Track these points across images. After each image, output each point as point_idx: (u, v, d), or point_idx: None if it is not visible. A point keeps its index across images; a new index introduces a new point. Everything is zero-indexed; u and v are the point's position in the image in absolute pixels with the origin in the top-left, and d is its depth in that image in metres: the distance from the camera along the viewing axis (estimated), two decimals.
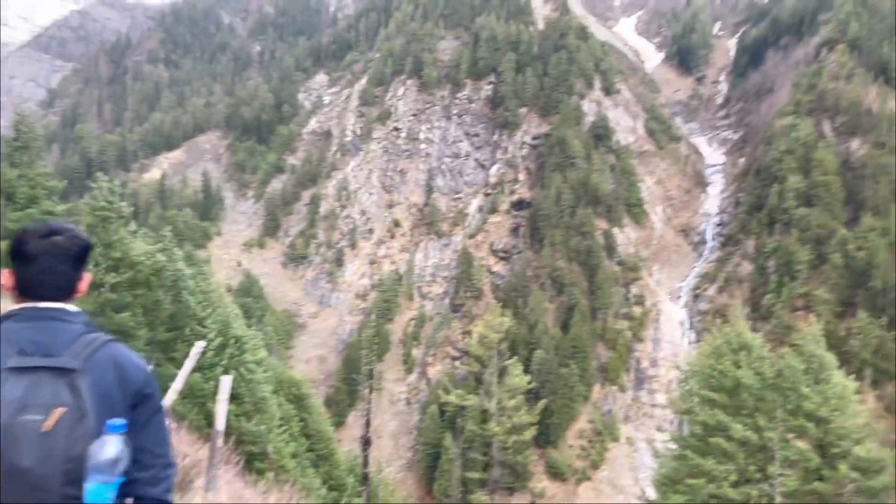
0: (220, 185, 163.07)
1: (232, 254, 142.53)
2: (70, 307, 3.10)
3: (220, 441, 10.08)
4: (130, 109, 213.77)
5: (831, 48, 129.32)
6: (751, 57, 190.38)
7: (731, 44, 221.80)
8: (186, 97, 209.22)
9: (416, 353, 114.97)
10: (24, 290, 3.04)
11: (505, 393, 39.60)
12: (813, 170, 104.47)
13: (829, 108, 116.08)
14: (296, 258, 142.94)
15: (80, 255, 3.17)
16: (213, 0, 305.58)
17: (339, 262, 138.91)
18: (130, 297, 26.32)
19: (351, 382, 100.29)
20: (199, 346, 11.91)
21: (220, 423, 10.10)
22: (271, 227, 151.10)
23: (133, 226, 28.92)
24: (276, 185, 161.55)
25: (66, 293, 3.11)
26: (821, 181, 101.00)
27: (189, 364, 11.38)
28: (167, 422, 3.35)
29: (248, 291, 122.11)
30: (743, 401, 21.14)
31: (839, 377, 20.25)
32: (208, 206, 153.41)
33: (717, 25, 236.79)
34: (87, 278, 3.23)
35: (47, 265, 3.03)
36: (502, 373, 40.39)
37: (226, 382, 10.43)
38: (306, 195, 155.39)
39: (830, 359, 20.18)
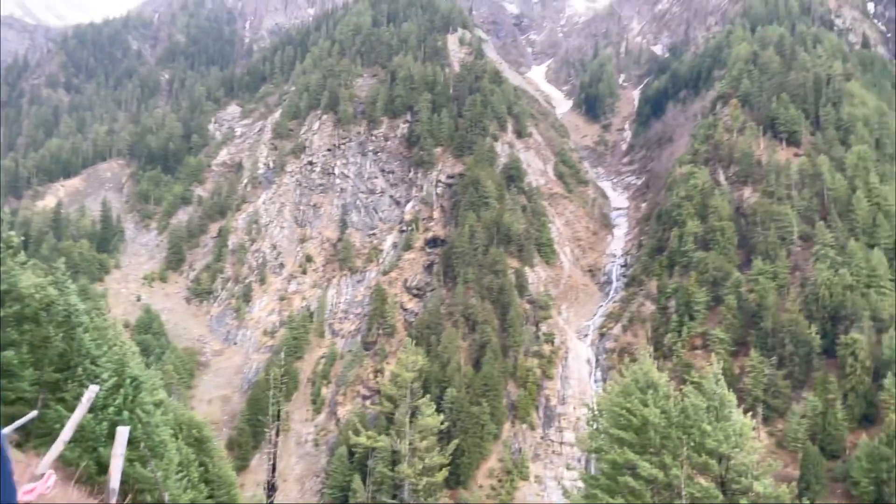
0: (121, 216, 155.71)
1: (131, 288, 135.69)
2: None
3: (113, 501, 9.19)
4: (25, 134, 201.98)
5: (725, 102, 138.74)
6: (652, 107, 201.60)
7: (635, 94, 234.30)
8: (88, 123, 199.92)
9: (326, 392, 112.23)
10: None
11: (417, 433, 39.00)
12: (709, 215, 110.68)
13: (723, 158, 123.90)
14: (200, 293, 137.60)
15: None
16: (120, 25, 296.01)
17: (246, 297, 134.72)
18: (16, 334, 24.32)
19: (256, 423, 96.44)
20: (93, 390, 10.95)
21: (115, 481, 9.16)
22: (175, 261, 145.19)
23: (22, 256, 26.89)
24: (182, 216, 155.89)
25: None
26: (716, 226, 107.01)
27: (80, 411, 10.42)
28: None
29: (148, 328, 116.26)
30: (650, 439, 21.62)
31: (738, 415, 21.10)
32: (107, 238, 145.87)
33: (622, 77, 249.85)
34: None
35: None
36: (415, 412, 39.82)
37: (122, 434, 9.52)
38: (214, 228, 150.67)
39: (730, 397, 21.04)
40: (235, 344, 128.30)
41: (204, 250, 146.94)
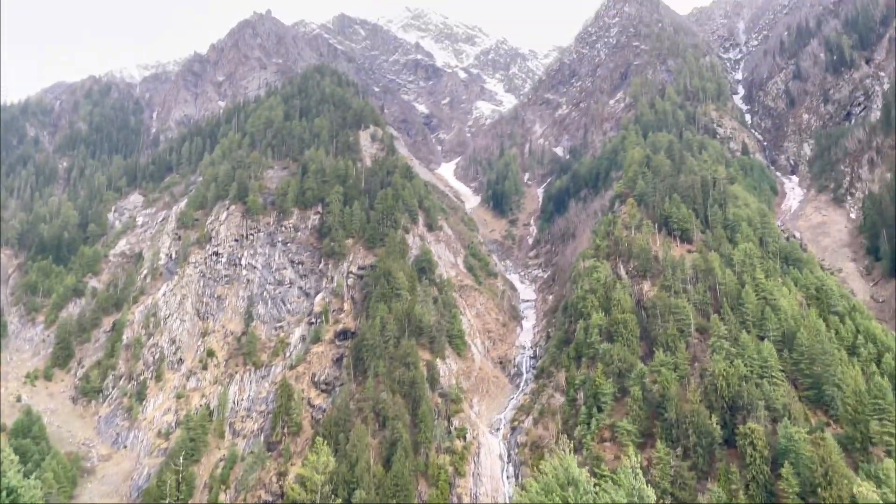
0: (5, 309, 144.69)
1: (10, 388, 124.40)
2: None
3: None
4: None
5: (622, 201, 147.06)
6: (555, 204, 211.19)
7: (539, 192, 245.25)
8: None
9: (224, 498, 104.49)
10: None
11: None
12: (612, 308, 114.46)
13: (623, 253, 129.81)
14: (89, 392, 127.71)
15: None
16: (18, 111, 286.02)
17: (140, 396, 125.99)
18: None
19: None
20: None
21: None
22: (62, 357, 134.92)
23: None
24: (73, 309, 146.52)
25: None
26: (620, 318, 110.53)
27: None
28: None
29: (27, 431, 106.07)
30: None
31: None
32: None
33: (527, 175, 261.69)
34: None
35: None
36: None
37: None
38: (108, 321, 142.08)
39: (649, 491, 20.97)
40: (125, 447, 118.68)
41: (95, 345, 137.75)
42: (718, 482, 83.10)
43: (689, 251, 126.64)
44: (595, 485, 22.07)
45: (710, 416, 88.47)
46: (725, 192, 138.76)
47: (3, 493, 22.81)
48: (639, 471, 21.14)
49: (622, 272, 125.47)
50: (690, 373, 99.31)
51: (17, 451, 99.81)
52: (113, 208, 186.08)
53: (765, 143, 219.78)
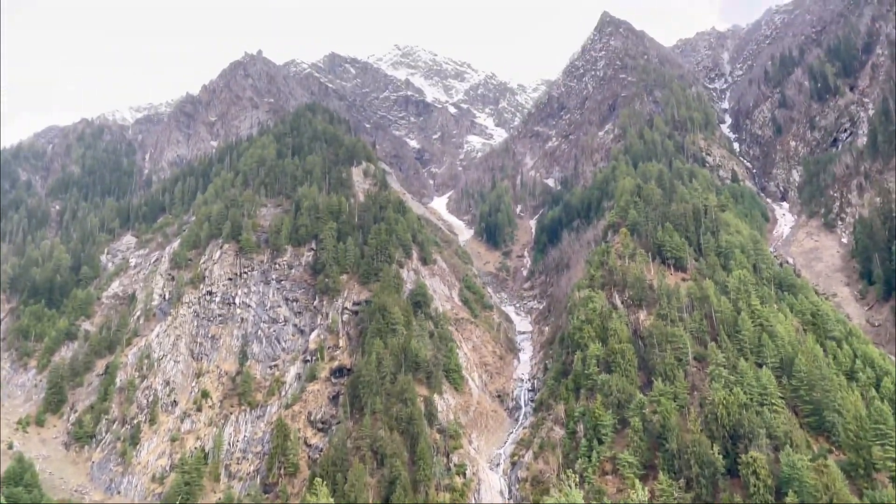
0: None
1: (3, 434, 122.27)
2: None
3: None
4: None
5: (615, 231, 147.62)
6: (549, 236, 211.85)
7: (532, 224, 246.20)
8: None
9: None
10: None
11: None
12: (609, 338, 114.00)
13: (617, 283, 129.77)
14: (82, 437, 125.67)
15: None
16: (10, 155, 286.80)
17: (134, 440, 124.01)
18: None
19: None
20: None
21: None
22: (55, 402, 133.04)
23: None
24: (66, 353, 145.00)
25: None
26: (617, 349, 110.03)
27: None
28: None
29: (19, 479, 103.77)
30: None
31: None
32: None
33: (519, 207, 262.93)
34: None
35: None
36: None
37: None
38: (101, 364, 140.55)
39: None
40: (119, 493, 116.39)
41: (88, 389, 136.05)
42: None
43: (684, 279, 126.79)
44: None
45: (712, 446, 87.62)
46: (717, 220, 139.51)
47: None
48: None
49: (618, 302, 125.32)
50: (690, 402, 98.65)
51: (9, 499, 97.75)
52: (106, 250, 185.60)
53: (754, 171, 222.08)
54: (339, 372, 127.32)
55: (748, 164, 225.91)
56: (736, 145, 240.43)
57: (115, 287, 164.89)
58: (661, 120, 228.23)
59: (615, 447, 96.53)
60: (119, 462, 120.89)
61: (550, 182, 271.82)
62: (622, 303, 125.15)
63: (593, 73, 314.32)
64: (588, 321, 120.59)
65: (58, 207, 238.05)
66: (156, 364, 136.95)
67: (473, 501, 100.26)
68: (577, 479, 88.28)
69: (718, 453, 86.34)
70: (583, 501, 18.64)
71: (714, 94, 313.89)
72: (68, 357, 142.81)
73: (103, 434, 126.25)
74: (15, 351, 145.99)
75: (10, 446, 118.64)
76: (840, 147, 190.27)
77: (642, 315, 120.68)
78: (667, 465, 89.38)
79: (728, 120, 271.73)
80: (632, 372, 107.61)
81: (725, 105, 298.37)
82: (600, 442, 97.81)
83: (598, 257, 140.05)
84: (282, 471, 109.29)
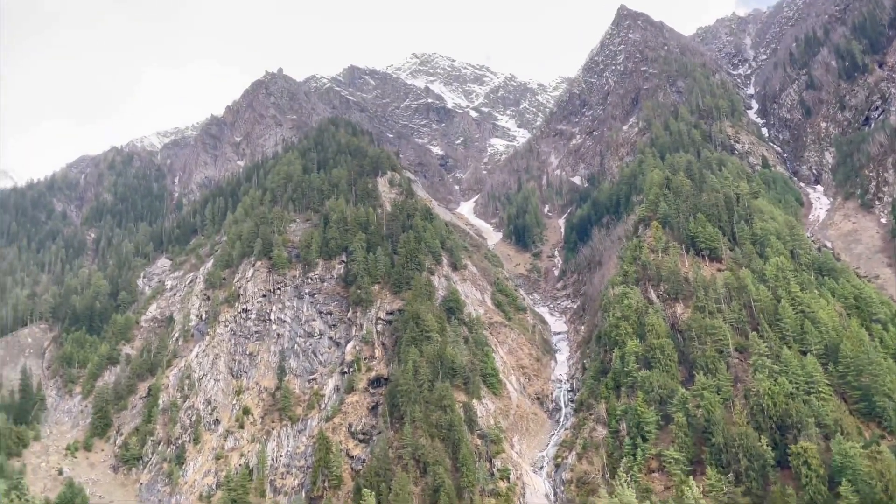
0: (43, 383, 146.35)
1: (52, 461, 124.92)
2: None
3: None
4: None
5: (646, 225, 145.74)
6: (578, 234, 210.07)
7: (561, 223, 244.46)
8: (8, 289, 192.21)
9: None
10: None
11: None
12: (647, 334, 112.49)
13: (652, 278, 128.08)
14: (129, 460, 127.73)
15: None
16: (44, 188, 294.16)
17: (179, 460, 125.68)
18: None
19: None
20: None
21: None
22: (101, 426, 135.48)
23: None
24: (109, 378, 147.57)
25: None
26: (655, 344, 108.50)
27: None
28: None
29: None
30: None
31: None
32: (26, 408, 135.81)
33: (547, 207, 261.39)
34: None
35: None
36: None
37: None
38: (143, 387, 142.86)
39: None
40: None
41: (132, 412, 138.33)
42: None
43: (720, 270, 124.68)
44: None
45: (760, 438, 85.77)
46: (750, 208, 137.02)
47: None
48: (701, 501, 20.13)
49: (653, 296, 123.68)
50: (734, 394, 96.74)
51: None
52: (142, 274, 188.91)
53: (784, 155, 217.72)
54: (377, 382, 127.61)
55: (778, 149, 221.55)
56: (764, 130, 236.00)
57: (152, 310, 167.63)
58: (685, 110, 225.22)
59: (660, 444, 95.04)
60: (166, 482, 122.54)
61: (577, 180, 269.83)
62: (658, 297, 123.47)
63: (613, 67, 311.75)
64: (624, 318, 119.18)
65: (93, 235, 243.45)
66: (196, 384, 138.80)
67: None
68: (627, 479, 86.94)
69: (767, 445, 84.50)
70: (634, 499, 18.09)
71: (738, 80, 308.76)
72: (111, 381, 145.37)
73: (149, 455, 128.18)
74: (60, 378, 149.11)
75: (60, 472, 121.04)
76: (872, 125, 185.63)
77: (679, 308, 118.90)
78: (714, 459, 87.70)
79: (755, 105, 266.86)
80: (672, 367, 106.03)
81: (751, 91, 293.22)
82: (644, 439, 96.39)
83: (630, 253, 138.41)
84: (325, 483, 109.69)
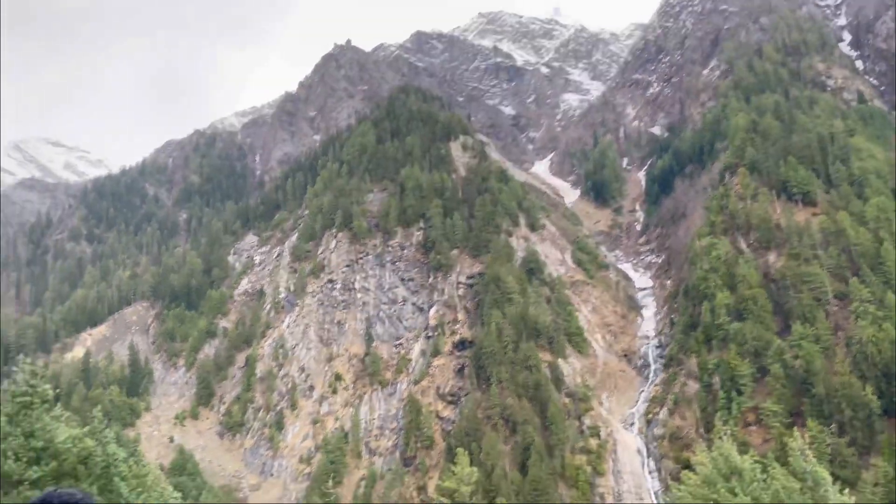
0: (149, 357, 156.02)
1: (163, 430, 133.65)
2: None
3: None
4: (51, 289, 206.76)
5: (733, 172, 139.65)
6: (660, 186, 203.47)
7: (641, 176, 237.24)
8: (111, 271, 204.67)
9: None
10: None
11: None
12: (738, 285, 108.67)
13: (741, 227, 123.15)
14: (232, 426, 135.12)
15: None
16: (136, 173, 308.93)
17: (279, 425, 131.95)
18: None
19: None
20: None
21: None
22: (205, 396, 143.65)
23: (58, 410, 26.10)
24: (209, 350, 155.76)
25: None
26: (748, 295, 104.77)
27: None
28: None
29: (183, 469, 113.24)
30: None
31: (835, 494, 19.18)
32: (136, 381, 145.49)
33: (625, 160, 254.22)
34: None
35: None
36: None
37: None
38: (241, 357, 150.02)
39: (824, 474, 19.20)
40: (272, 475, 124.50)
41: (233, 382, 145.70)
42: (883, 456, 76.74)
43: (815, 214, 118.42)
44: (762, 471, 20.43)
45: (864, 387, 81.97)
46: (847, 147, 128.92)
47: None
48: (808, 452, 19.47)
49: (743, 246, 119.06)
50: (835, 343, 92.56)
51: (177, 488, 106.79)
52: (232, 251, 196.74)
53: (882, 88, 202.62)
54: (462, 345, 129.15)
55: (875, 83, 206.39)
56: (859, 63, 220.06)
57: (244, 285, 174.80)
58: (770, 48, 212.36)
59: (756, 397, 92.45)
60: (268, 447, 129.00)
61: (656, 130, 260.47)
62: (748, 247, 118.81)
63: (690, 9, 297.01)
64: (713, 269, 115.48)
65: (184, 216, 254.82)
66: (290, 353, 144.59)
67: (611, 462, 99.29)
68: (727, 432, 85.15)
69: (872, 394, 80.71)
70: (737, 454, 17.75)
71: (828, 11, 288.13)
72: (211, 354, 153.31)
73: (251, 422, 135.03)
74: (164, 352, 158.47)
75: (171, 439, 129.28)
76: None
77: (772, 257, 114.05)
78: (815, 410, 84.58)
79: (847, 37, 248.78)
80: (766, 318, 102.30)
81: (842, 21, 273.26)
82: (739, 393, 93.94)
83: (716, 202, 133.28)
84: (418, 444, 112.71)
